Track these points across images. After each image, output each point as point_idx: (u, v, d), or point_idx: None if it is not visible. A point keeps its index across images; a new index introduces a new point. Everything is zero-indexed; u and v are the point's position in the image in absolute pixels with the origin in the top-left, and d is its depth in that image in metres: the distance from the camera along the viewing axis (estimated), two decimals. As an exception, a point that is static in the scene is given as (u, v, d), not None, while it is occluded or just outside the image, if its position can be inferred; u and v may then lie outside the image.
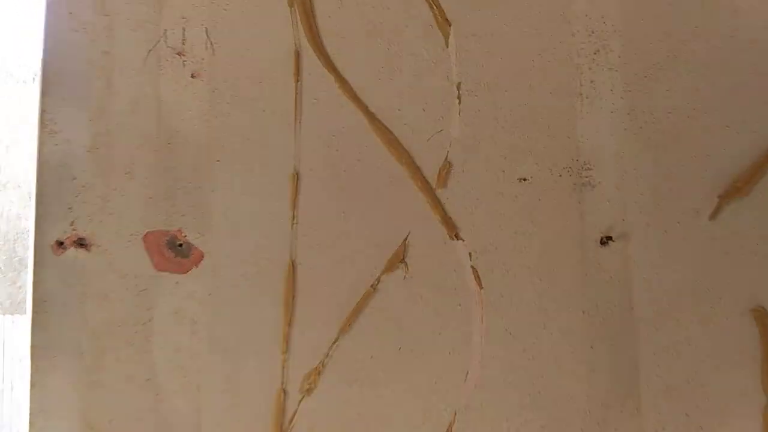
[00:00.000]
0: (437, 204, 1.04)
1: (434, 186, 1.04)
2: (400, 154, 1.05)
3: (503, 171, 1.05)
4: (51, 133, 1.02)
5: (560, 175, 1.05)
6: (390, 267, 1.03)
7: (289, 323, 1.02)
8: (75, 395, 1.00)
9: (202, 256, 1.02)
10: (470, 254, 1.04)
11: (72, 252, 1.02)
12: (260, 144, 1.04)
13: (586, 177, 1.06)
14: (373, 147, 1.05)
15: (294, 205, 1.03)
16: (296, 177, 1.04)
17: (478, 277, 1.03)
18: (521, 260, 1.04)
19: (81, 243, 1.02)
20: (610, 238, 1.04)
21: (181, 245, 1.03)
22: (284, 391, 1.01)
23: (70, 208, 1.02)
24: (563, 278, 1.03)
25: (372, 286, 1.03)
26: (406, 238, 1.03)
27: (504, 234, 1.04)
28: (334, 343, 1.02)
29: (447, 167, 1.05)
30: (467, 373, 1.02)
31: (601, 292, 1.04)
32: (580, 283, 1.03)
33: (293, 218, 1.03)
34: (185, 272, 1.02)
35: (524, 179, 1.05)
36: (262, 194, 1.03)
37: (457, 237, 1.04)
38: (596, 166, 1.06)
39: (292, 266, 1.03)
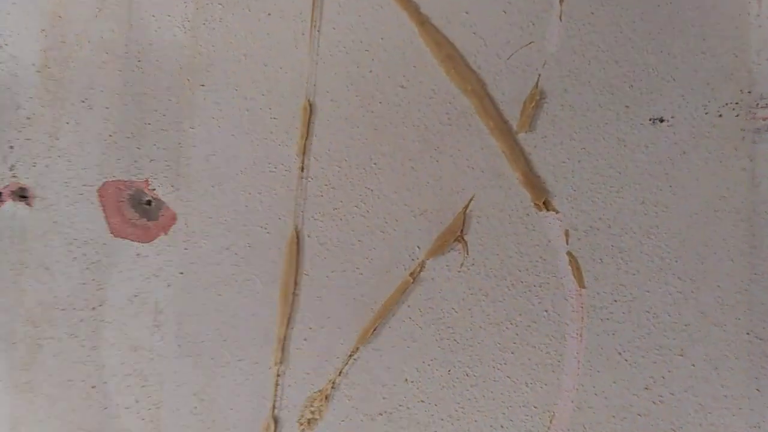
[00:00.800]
0: (518, 155, 0.68)
1: (515, 128, 0.68)
2: (463, 78, 0.69)
3: (625, 107, 0.66)
4: (-17, 42, 0.76)
5: (720, 115, 0.65)
6: (440, 247, 0.68)
7: (288, 322, 0.70)
8: (2, 398, 0.73)
9: (175, 219, 0.72)
10: (566, 233, 0.66)
11: (9, 206, 0.75)
12: (261, 62, 0.72)
13: (763, 119, 0.65)
14: (421, 67, 0.70)
15: (303, 151, 0.71)
16: (309, 109, 0.71)
17: (577, 270, 0.66)
18: (648, 245, 0.65)
19: (21, 195, 0.75)
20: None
21: (148, 203, 0.73)
22: (275, 420, 0.69)
23: (11, 147, 0.75)
24: (720, 275, 0.64)
25: (411, 274, 0.68)
26: (467, 206, 0.68)
27: (621, 204, 0.66)
28: (352, 355, 0.68)
29: (535, 100, 0.68)
30: (553, 414, 0.65)
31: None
32: (747, 283, 0.63)
33: (302, 169, 0.70)
34: (151, 240, 0.72)
35: (659, 120, 0.66)
36: (259, 134, 0.71)
37: (548, 207, 0.67)
38: (782, 102, 0.66)
39: (296, 238, 0.70)
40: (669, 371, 0.64)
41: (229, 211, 0.71)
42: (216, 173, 0.72)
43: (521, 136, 0.68)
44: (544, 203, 0.67)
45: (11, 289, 0.75)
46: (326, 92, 0.71)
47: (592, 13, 0.68)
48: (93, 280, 0.73)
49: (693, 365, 0.64)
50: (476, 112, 0.69)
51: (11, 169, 0.76)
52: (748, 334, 0.63)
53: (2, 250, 0.75)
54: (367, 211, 0.69)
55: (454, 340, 0.67)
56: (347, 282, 0.69)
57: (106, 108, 0.74)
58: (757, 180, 0.64)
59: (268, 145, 0.71)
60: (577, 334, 0.65)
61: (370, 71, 0.70)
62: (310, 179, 0.70)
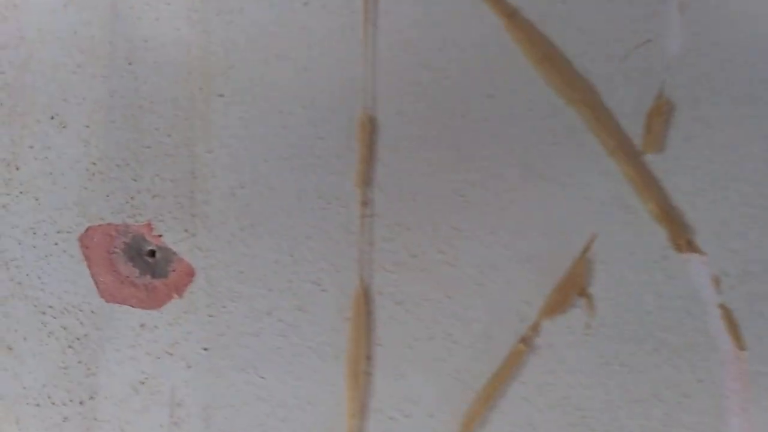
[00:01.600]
0: (650, 182, 0.52)
1: (640, 148, 0.53)
2: (569, 84, 0.53)
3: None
4: None
5: None
6: (558, 303, 0.52)
7: (360, 411, 0.52)
8: None
9: (192, 276, 0.53)
10: (716, 280, 0.52)
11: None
12: (300, 65, 0.54)
13: None
14: (513, 71, 0.54)
15: (365, 181, 0.53)
16: (369, 126, 0.53)
17: (733, 327, 0.51)
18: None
19: (-33, 247, 0.54)
20: None
21: (151, 254, 0.54)
22: None
23: (-51, 182, 0.55)
24: None
25: (522, 340, 0.52)
26: (587, 248, 0.52)
27: (790, 241, 0.52)
28: (444, 450, 0.52)
29: (663, 112, 0.53)
30: None
31: None
32: None
33: (364, 205, 0.53)
34: (159, 305, 0.53)
35: (820, 133, 0.52)
36: (303, 159, 0.54)
37: (691, 247, 0.52)
38: None
39: (364, 296, 0.53)
40: None
41: (268, 263, 0.53)
42: (245, 212, 0.53)
43: (649, 158, 0.53)
44: (686, 242, 0.52)
45: (-42, 379, 0.54)
46: (390, 104, 0.54)
47: (718, 6, 0.53)
48: (79, 362, 0.53)
49: None
50: (589, 128, 0.53)
51: (-49, 212, 0.55)
52: None
53: (-57, 325, 0.54)
54: (456, 258, 0.53)
55: (587, 425, 0.51)
56: (436, 353, 0.52)
57: (86, 127, 0.54)
58: None
59: (315, 173, 0.54)
60: (740, 409, 0.51)
61: (446, 77, 0.54)
62: (375, 218, 0.53)
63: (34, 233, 0.54)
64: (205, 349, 0.53)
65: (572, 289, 0.52)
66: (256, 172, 0.54)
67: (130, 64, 0.54)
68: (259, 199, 0.54)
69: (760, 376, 0.51)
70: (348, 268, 0.53)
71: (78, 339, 0.54)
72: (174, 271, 0.53)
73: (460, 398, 0.52)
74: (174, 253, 0.54)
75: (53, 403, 0.53)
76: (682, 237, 0.52)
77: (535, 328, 0.52)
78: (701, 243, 0.52)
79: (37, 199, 0.54)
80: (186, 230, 0.54)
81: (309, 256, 0.53)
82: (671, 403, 0.51)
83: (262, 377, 0.53)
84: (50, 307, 0.54)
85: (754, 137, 0.52)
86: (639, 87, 0.53)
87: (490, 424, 0.52)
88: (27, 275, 0.54)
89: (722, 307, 0.51)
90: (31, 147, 0.55)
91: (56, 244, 0.54)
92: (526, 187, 0.53)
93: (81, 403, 0.53)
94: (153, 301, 0.53)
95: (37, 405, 0.53)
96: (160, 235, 0.54)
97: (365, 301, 0.53)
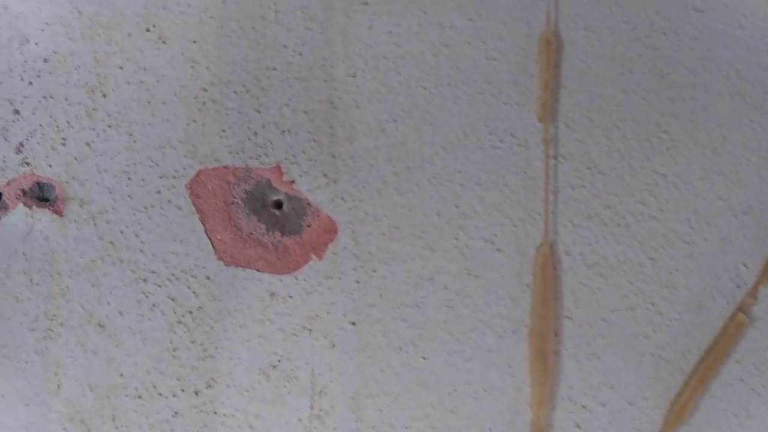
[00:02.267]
0: None
1: None
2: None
3: None
4: None
5: None
6: (786, 265, 0.43)
7: (548, 397, 0.42)
8: None
9: (334, 232, 0.42)
10: None
11: (19, 215, 0.42)
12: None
13: None
14: None
15: (548, 113, 0.43)
16: (554, 44, 0.43)
17: None
18: None
19: (41, 196, 0.43)
20: None
21: (277, 204, 0.43)
22: None
23: (15, 111, 0.43)
24: None
25: (739, 308, 0.42)
26: (818, 196, 0.43)
27: None
28: (649, 443, 0.43)
29: None
30: None
31: None
32: None
33: (547, 143, 0.43)
34: (293, 270, 0.43)
35: None
36: (468, 85, 0.43)
37: None
38: None
39: (549, 257, 0.42)
40: None
41: (428, 215, 0.42)
42: (398, 152, 0.43)
43: None
44: None
45: (36, 363, 0.43)
46: (576, 17, 0.43)
47: None
48: (192, 342, 0.42)
49: None
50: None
51: (19, 151, 0.43)
52: None
53: (14, 293, 0.42)
54: (660, 210, 0.43)
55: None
56: (637, 327, 0.43)
57: (193, 42, 0.43)
58: None
59: (484, 102, 0.43)
60: None
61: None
62: (561, 159, 0.43)
63: (129, 179, 0.42)
64: (353, 324, 0.42)
65: (809, 246, 0.42)
66: (411, 101, 0.43)
67: (250, -40, 0.43)
68: (416, 136, 0.43)
69: None
70: (528, 222, 0.43)
71: (190, 312, 0.42)
72: (310, 226, 0.42)
73: (665, 382, 0.43)
74: (308, 204, 0.42)
75: (160, 394, 0.42)
76: None
77: (754, 294, 0.43)
78: None
79: (131, 135, 0.42)
80: (325, 175, 0.42)
81: (479, 208, 0.43)
82: None
83: (425, 358, 0.42)
84: (152, 272, 0.42)
85: None
86: None
87: (701, 412, 0.43)
88: (121, 232, 0.42)
89: None
90: (121, 68, 0.43)
91: (158, 192, 0.42)
92: (740, 122, 0.43)
93: (196, 393, 0.42)
94: (285, 264, 0.42)
95: (139, 397, 0.42)
96: (292, 181, 0.42)
97: (550, 263, 0.42)
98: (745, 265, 0.43)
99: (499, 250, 0.43)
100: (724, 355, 0.43)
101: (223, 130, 0.43)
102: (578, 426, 0.42)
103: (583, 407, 0.43)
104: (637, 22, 0.43)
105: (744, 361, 0.43)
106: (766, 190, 0.43)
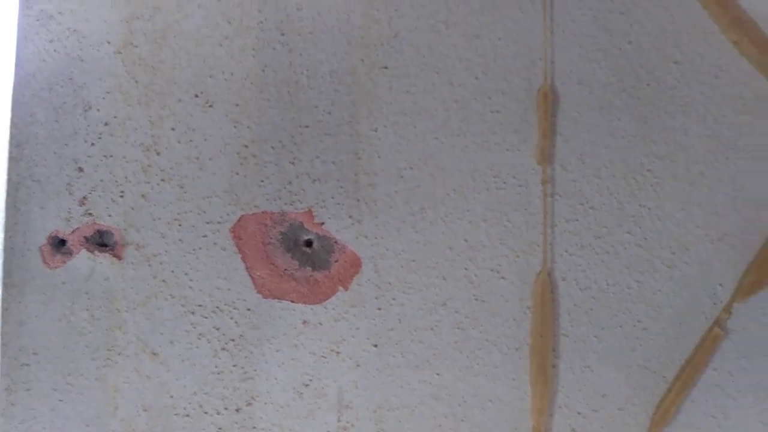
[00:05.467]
0: None
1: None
2: (762, 50, 0.50)
3: None
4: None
5: None
6: (752, 285, 0.49)
7: (547, 407, 0.48)
8: None
9: (358, 267, 0.49)
10: None
11: (82, 260, 0.48)
12: (470, 32, 0.50)
13: None
14: (700, 36, 0.50)
15: (546, 157, 0.49)
16: (550, 97, 0.49)
17: None
18: None
19: (101, 242, 0.49)
20: None
21: (308, 243, 0.49)
22: None
23: (79, 169, 0.49)
24: None
25: (716, 323, 0.48)
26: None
27: None
28: (640, 445, 0.48)
29: None
30: None
31: None
32: None
33: (545, 184, 0.49)
34: (323, 300, 0.49)
35: None
36: (476, 135, 0.50)
37: None
38: None
39: (549, 284, 0.49)
40: None
41: (441, 250, 0.49)
42: (415, 194, 0.49)
43: (842, 125, 0.49)
44: None
45: (96, 389, 0.49)
46: (569, 72, 0.50)
47: None
48: (234, 366, 0.48)
49: None
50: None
51: (82, 203, 0.49)
52: None
53: (77, 327, 0.49)
54: (645, 239, 0.49)
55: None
56: (626, 342, 0.49)
57: (236, 105, 0.49)
58: None
59: (489, 149, 0.49)
60: None
61: (629, 42, 0.49)
62: (557, 197, 0.49)
63: (180, 225, 0.49)
64: (375, 346, 0.48)
65: (766, 268, 0.48)
66: (426, 150, 0.49)
67: (282, 34, 0.49)
68: (430, 181, 0.49)
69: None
70: (528, 253, 0.49)
71: (233, 340, 0.49)
72: (337, 261, 0.49)
73: (651, 389, 0.48)
74: (335, 242, 0.49)
75: (206, 413, 0.48)
76: None
77: (728, 310, 0.49)
78: None
79: (181, 187, 0.49)
80: (350, 216, 0.49)
81: (486, 241, 0.49)
82: None
83: (438, 374, 0.48)
84: (200, 306, 0.49)
85: None
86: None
87: (682, 414, 0.48)
88: (172, 272, 0.49)
89: None
90: (173, 129, 0.49)
91: (205, 236, 0.49)
92: (716, 160, 0.49)
93: (237, 410, 0.48)
94: (316, 295, 0.48)
95: (187, 416, 0.48)
96: (322, 223, 0.49)
97: (549, 288, 0.49)
98: (720, 285, 0.49)
99: (503, 278, 0.49)
100: (702, 364, 0.49)
101: (262, 181, 0.49)
102: (574, 430, 0.48)
103: (579, 413, 0.48)
104: (624, 75, 0.49)
105: (720, 369, 0.49)
106: (740, 220, 0.49)
